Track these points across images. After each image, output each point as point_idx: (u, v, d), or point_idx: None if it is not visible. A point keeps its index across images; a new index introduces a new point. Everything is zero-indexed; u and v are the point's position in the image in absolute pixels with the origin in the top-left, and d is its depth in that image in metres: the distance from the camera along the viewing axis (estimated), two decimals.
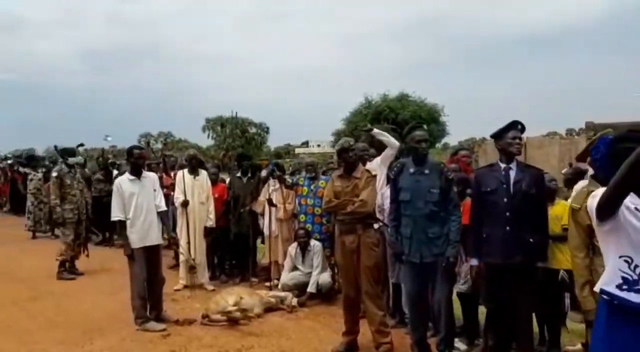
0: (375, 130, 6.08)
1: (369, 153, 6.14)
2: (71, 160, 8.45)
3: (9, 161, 17.43)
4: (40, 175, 11.88)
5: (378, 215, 5.20)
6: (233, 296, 5.73)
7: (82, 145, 10.00)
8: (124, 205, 5.57)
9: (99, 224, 10.73)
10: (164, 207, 5.83)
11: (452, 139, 39.92)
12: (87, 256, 8.36)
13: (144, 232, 5.57)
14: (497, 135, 4.21)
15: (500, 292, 4.16)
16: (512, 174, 4.11)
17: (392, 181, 4.60)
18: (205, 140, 46.40)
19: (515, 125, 4.16)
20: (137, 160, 5.75)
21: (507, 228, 4.03)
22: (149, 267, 5.62)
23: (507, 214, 4.04)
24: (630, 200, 2.15)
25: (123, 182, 5.65)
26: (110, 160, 12.25)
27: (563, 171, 6.46)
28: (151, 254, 5.64)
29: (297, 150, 67.07)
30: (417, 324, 4.55)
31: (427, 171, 4.40)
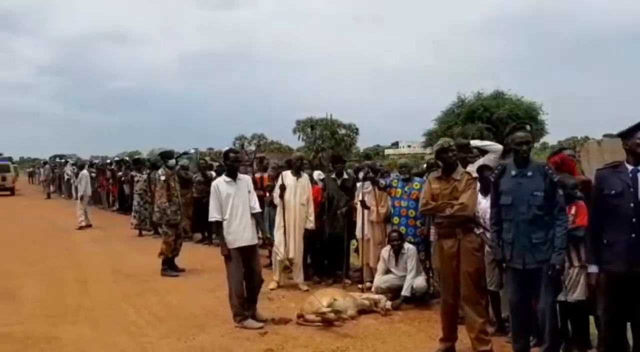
0: (474, 143, 5.84)
1: (471, 154, 5.92)
2: (170, 162, 8.89)
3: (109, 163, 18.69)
4: (145, 176, 12.58)
5: None
6: (327, 297, 5.76)
7: (186, 153, 10.49)
8: (220, 206, 5.75)
9: (199, 224, 11.24)
10: (258, 209, 5.97)
11: (551, 138, 38.01)
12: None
13: (239, 232, 5.72)
14: (626, 134, 3.92)
15: (621, 302, 3.88)
16: None
17: (492, 184, 4.42)
18: (295, 142, 47.18)
19: None
20: (233, 163, 5.93)
21: (633, 235, 3.76)
22: (246, 267, 5.76)
23: (634, 220, 3.76)
24: None
25: (220, 184, 5.84)
26: (208, 163, 12.79)
27: None
28: (247, 254, 5.77)
29: (387, 151, 66.60)
30: (519, 333, 4.33)
31: (529, 173, 4.18)
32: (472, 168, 5.28)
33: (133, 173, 13.92)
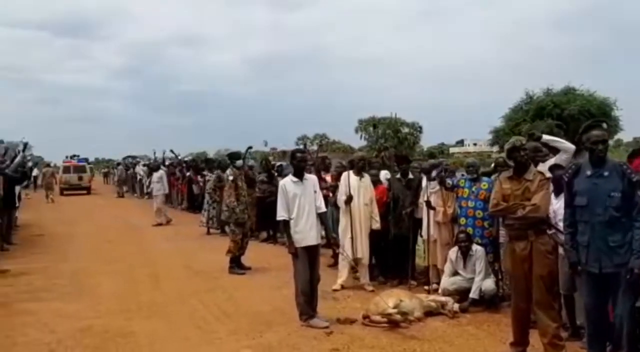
0: (546, 137, 5.66)
1: (541, 154, 5.73)
2: (237, 163, 9.10)
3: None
4: (215, 176, 12.94)
5: None
6: (393, 298, 5.73)
7: (250, 148, 10.72)
8: (287, 205, 5.82)
9: (263, 223, 11.45)
10: (324, 209, 6.00)
11: (626, 135, 36.19)
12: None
13: (306, 232, 5.77)
14: None
15: None
16: None
17: (566, 184, 4.26)
18: (357, 141, 47.12)
19: None
20: (299, 163, 6.00)
21: None
22: (310, 266, 5.81)
23: None
24: None
25: (287, 183, 5.92)
26: (272, 162, 13.02)
27: None
28: (311, 253, 5.82)
29: (452, 150, 65.42)
30: (595, 339, 4.16)
31: (606, 173, 4.00)
32: (543, 167, 5.11)
33: (204, 172, 14.36)
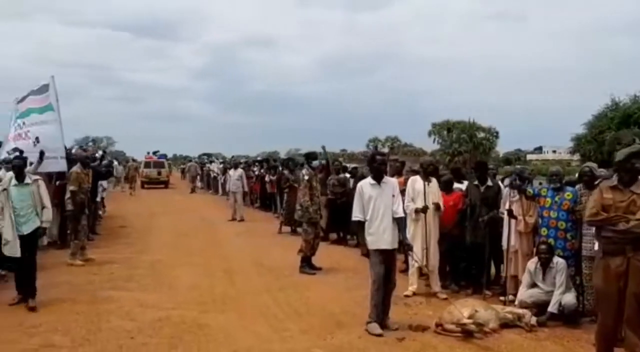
0: None
1: None
2: (314, 163, 9.18)
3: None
4: (292, 176, 13.14)
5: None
6: (468, 308, 5.60)
7: (324, 148, 10.79)
8: (363, 207, 5.81)
9: (334, 224, 11.49)
10: (400, 214, 5.88)
11: None
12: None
13: (379, 234, 5.72)
14: None
15: None
16: None
17: None
18: (430, 145, 46.40)
19: None
20: (379, 166, 5.96)
21: None
22: (385, 270, 5.74)
23: None
24: None
25: (364, 185, 5.89)
26: (342, 164, 13.04)
27: None
28: (385, 257, 5.75)
29: (529, 157, 63.11)
30: None
31: None
32: None
33: (285, 172, 14.61)
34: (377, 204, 5.76)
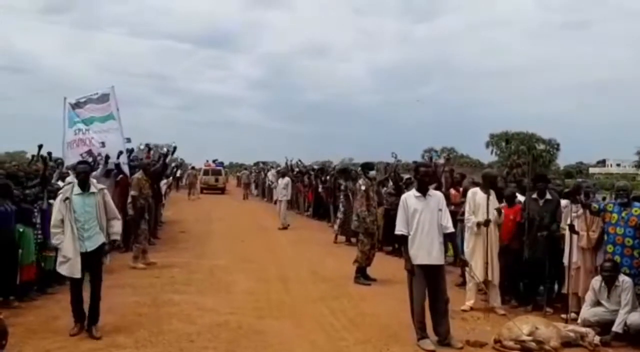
0: None
1: None
2: (371, 173, 9.19)
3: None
4: (350, 185, 13.18)
5: None
6: (528, 325, 5.47)
7: (395, 156, 10.81)
8: (407, 220, 5.70)
9: (389, 235, 11.43)
10: (451, 229, 5.74)
11: None
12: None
13: (423, 249, 5.59)
14: None
15: None
16: None
17: None
18: (487, 157, 45.50)
19: None
20: (422, 178, 5.85)
21: None
22: (430, 286, 5.64)
23: None
24: None
25: (409, 197, 5.80)
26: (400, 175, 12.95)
27: None
28: (433, 273, 5.63)
29: (592, 170, 60.80)
30: None
31: None
32: None
33: (340, 181, 14.69)
34: (422, 218, 5.63)
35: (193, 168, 33.47)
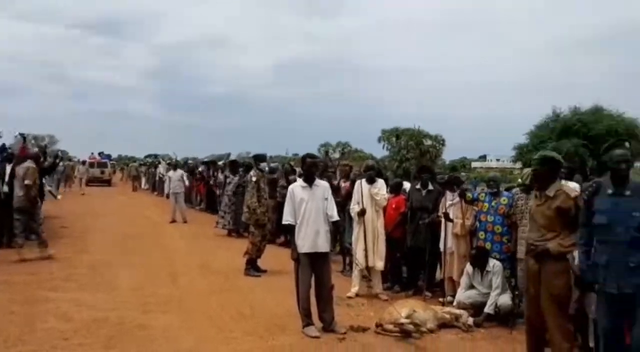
0: None
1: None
2: (262, 165, 9.19)
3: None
4: (237, 178, 13.06)
5: None
6: (406, 308, 5.74)
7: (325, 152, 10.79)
8: (294, 210, 5.81)
9: (282, 227, 11.50)
10: (335, 217, 5.91)
11: None
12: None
13: (310, 238, 5.72)
14: None
15: None
16: None
17: (585, 202, 4.23)
18: (380, 151, 46.96)
19: None
20: (309, 168, 5.96)
21: None
22: (316, 273, 5.79)
23: None
24: None
25: (295, 188, 5.91)
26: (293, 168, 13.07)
27: None
28: (318, 261, 5.78)
29: (474, 164, 64.93)
30: None
31: (628, 193, 3.98)
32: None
33: (225, 173, 14.49)
34: (309, 207, 5.75)
35: (69, 160, 32.26)
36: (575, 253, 4.49)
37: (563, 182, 5.34)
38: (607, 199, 4.04)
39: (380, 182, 7.44)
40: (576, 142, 27.28)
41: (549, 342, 4.56)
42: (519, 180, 7.05)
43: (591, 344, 4.87)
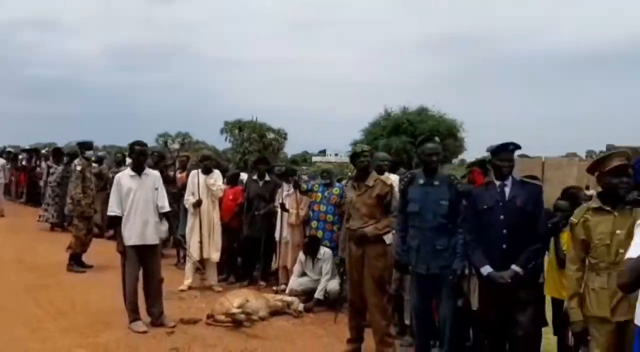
0: None
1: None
2: (87, 153, 8.56)
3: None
4: (61, 168, 12.02)
5: None
6: (239, 298, 5.75)
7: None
8: (121, 200, 5.50)
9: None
10: (167, 208, 5.71)
11: (469, 155, 39.54)
12: None
13: (136, 230, 5.46)
14: (494, 153, 4.11)
15: (496, 309, 4.08)
16: (507, 190, 4.06)
17: (401, 192, 4.58)
18: (222, 143, 46.44)
19: (508, 146, 4.08)
20: (138, 157, 5.66)
21: (504, 246, 3.99)
22: (144, 266, 5.58)
23: (504, 231, 4.00)
24: None
25: (123, 176, 5.60)
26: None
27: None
28: (146, 253, 5.56)
29: (314, 159, 67.13)
30: (421, 336, 4.52)
31: (437, 183, 4.37)
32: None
33: (49, 163, 13.26)
34: (137, 197, 5.49)
35: None
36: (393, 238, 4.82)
37: (386, 174, 5.75)
38: (419, 189, 4.41)
39: (217, 173, 7.36)
40: (404, 140, 29.51)
41: (369, 321, 4.85)
42: (349, 173, 7.44)
43: (407, 322, 5.28)
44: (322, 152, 76.56)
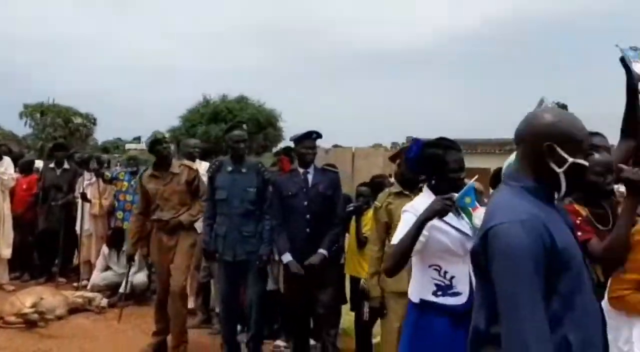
0: None
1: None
2: None
3: None
4: None
5: None
6: (32, 297, 5.29)
7: None
8: None
9: None
10: None
11: (288, 144, 40.79)
12: None
13: None
14: (297, 141, 4.29)
15: (300, 290, 4.28)
16: (310, 178, 4.27)
17: (209, 179, 4.56)
18: (23, 129, 41.84)
19: (311, 135, 4.28)
20: None
21: (308, 230, 4.19)
22: None
23: (307, 216, 4.20)
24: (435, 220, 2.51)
25: None
26: None
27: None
28: None
29: (128, 146, 63.71)
30: (227, 321, 4.57)
31: (244, 170, 4.42)
32: None
33: None
34: None
35: None
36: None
37: (197, 161, 5.69)
38: (227, 176, 4.42)
39: (7, 160, 6.64)
40: (223, 128, 29.34)
41: (168, 307, 4.72)
42: None
43: (217, 310, 5.28)
44: (137, 139, 73.17)
